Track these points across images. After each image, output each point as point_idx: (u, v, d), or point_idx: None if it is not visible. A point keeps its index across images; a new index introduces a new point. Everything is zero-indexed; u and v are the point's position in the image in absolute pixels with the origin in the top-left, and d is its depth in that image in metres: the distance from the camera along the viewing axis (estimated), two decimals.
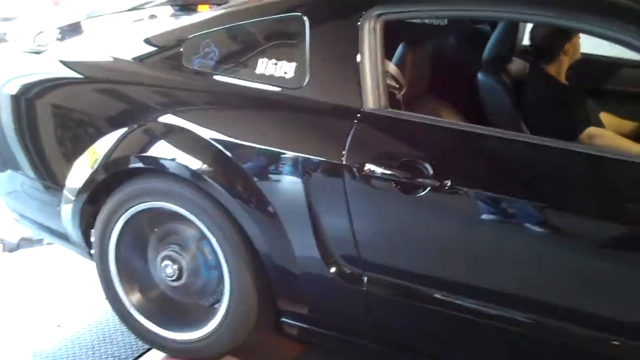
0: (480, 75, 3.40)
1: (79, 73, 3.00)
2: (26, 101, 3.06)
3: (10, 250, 3.84)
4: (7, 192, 3.36)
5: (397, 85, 2.71)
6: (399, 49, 2.97)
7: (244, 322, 2.76)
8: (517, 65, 3.60)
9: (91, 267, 3.04)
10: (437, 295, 2.42)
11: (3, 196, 3.39)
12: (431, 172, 2.28)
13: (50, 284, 3.61)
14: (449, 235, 2.36)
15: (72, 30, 3.29)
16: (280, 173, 2.51)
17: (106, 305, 3.08)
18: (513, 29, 3.57)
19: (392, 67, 2.76)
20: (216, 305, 2.81)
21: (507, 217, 2.29)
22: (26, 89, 3.07)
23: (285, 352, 3.02)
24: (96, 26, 3.43)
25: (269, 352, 3.02)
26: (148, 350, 3.03)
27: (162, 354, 2.98)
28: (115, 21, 3.50)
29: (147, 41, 2.92)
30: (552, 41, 3.33)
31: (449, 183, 2.25)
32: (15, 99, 3.08)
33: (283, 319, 2.74)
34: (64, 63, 3.02)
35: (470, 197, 2.28)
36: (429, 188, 2.28)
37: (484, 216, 2.28)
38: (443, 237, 2.37)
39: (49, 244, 3.88)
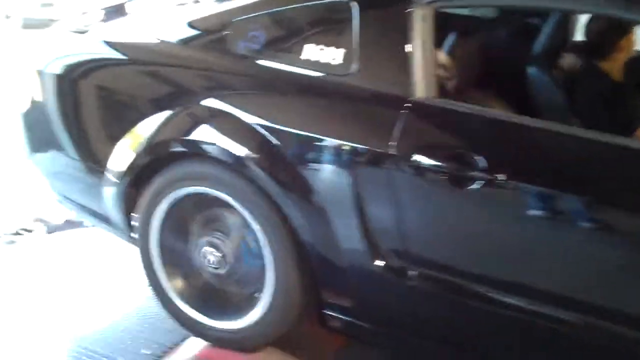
0: (530, 70, 3.32)
1: (123, 54, 2.98)
2: (70, 81, 3.05)
3: (52, 232, 3.84)
4: (51, 172, 3.36)
5: (447, 75, 2.65)
6: (451, 39, 2.90)
7: (286, 313, 2.72)
8: (568, 60, 3.50)
9: (133, 251, 3.02)
10: (484, 292, 2.35)
11: (47, 176, 3.40)
12: (483, 165, 2.21)
13: (91, 267, 3.62)
14: (498, 230, 2.30)
15: (116, 11, 3.27)
16: (325, 161, 2.46)
17: (147, 291, 3.04)
18: (565, 23, 3.47)
19: (442, 56, 2.70)
20: (257, 294, 2.75)
21: (559, 213, 2.23)
22: (70, 69, 3.05)
23: (327, 344, 2.97)
24: (139, 9, 3.40)
25: (310, 344, 2.96)
26: (188, 338, 2.99)
27: (203, 343, 2.94)
28: (158, 4, 3.48)
29: (192, 24, 2.87)
30: (607, 37, 3.23)
31: (501, 177, 2.19)
32: (59, 79, 3.06)
33: (326, 311, 2.68)
34: (109, 44, 3.01)
35: (522, 191, 2.22)
36: (480, 181, 2.21)
37: (536, 212, 2.21)
38: (492, 232, 2.30)
39: (90, 226, 3.89)
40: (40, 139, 3.28)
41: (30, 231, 3.87)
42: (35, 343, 2.97)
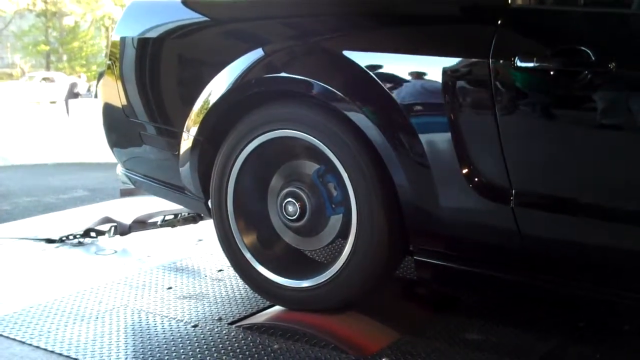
0: None
1: (200, 12, 2.98)
2: (150, 43, 3.04)
3: (123, 234, 3.70)
4: (120, 145, 3.32)
5: None
6: None
7: (370, 264, 2.46)
8: None
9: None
10: (606, 209, 2.09)
11: (115, 149, 3.33)
12: (590, 58, 2.02)
13: (163, 257, 3.46)
14: (614, 131, 2.08)
15: None
16: (424, 86, 2.32)
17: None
18: None
19: None
20: (340, 240, 2.56)
21: None
22: (151, 31, 3.04)
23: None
24: None
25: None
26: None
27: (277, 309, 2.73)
28: None
29: None
30: None
31: (610, 67, 1.99)
32: (139, 42, 3.06)
33: (418, 258, 2.43)
34: (185, 3, 3.01)
35: (633, 80, 2.02)
36: (588, 74, 2.03)
37: None
38: (609, 134, 2.09)
39: (160, 226, 3.74)
40: (113, 109, 3.22)
41: (101, 233, 3.73)
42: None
